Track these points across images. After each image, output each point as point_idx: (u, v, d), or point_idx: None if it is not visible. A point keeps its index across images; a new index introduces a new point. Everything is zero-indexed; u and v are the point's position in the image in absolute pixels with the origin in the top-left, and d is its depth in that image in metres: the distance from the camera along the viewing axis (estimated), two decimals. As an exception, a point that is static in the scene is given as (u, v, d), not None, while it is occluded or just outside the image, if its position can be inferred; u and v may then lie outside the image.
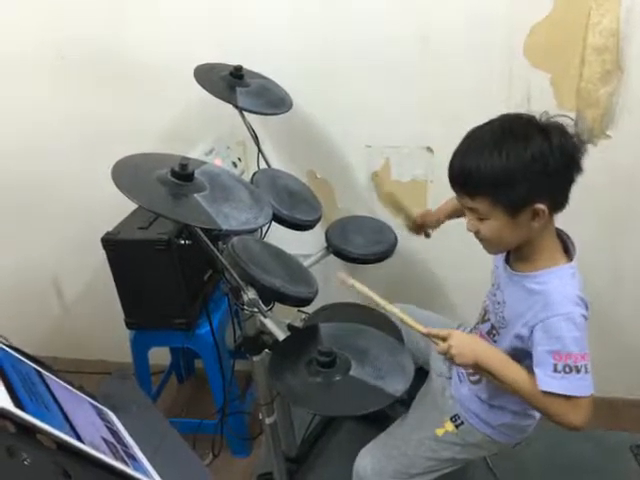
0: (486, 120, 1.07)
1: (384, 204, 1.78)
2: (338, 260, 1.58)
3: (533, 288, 1.07)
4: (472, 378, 1.26)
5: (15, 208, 2.03)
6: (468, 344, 1.08)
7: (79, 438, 0.65)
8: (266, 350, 1.34)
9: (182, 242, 1.48)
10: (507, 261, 1.16)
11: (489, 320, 1.21)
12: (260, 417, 1.50)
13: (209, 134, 1.63)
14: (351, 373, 1.05)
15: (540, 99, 1.52)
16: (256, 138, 1.57)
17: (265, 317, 1.18)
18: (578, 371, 1.00)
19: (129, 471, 0.70)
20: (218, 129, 1.68)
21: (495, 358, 1.08)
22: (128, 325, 1.64)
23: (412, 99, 1.63)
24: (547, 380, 1.02)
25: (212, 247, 1.10)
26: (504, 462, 1.71)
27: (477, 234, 1.09)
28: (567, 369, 1.00)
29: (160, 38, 1.68)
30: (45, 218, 2.03)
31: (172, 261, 1.53)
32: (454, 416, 1.27)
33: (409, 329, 1.14)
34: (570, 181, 1.03)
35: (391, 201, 1.73)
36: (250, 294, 1.14)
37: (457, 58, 1.55)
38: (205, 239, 1.09)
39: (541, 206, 1.00)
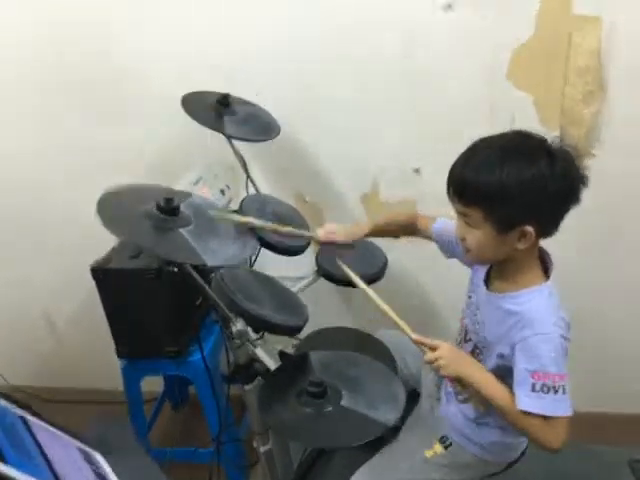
0: (470, 141, 1.07)
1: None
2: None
3: (511, 309, 1.08)
4: (459, 397, 1.25)
5: (2, 239, 2.02)
6: (455, 358, 1.09)
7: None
8: (259, 378, 1.34)
9: (172, 269, 1.48)
10: (486, 281, 1.17)
11: (471, 340, 1.21)
12: (255, 445, 1.49)
13: (198, 161, 1.63)
14: (342, 403, 1.04)
15: (524, 120, 1.54)
16: (244, 164, 1.57)
17: (255, 347, 1.18)
18: (556, 391, 1.01)
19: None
20: (207, 156, 1.68)
21: (480, 376, 1.09)
22: (119, 354, 1.63)
23: (398, 122, 1.65)
24: (525, 400, 1.02)
25: (200, 280, 1.10)
26: (501, 478, 1.70)
27: (463, 241, 1.10)
28: (545, 389, 1.01)
29: (148, 66, 1.69)
30: (34, 248, 2.02)
31: (163, 289, 1.52)
32: (443, 437, 1.27)
33: (403, 333, 1.15)
34: (564, 210, 1.03)
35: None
36: (239, 325, 1.14)
37: (442, 81, 1.57)
38: (193, 272, 1.09)
39: (530, 229, 1.01)
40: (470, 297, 1.23)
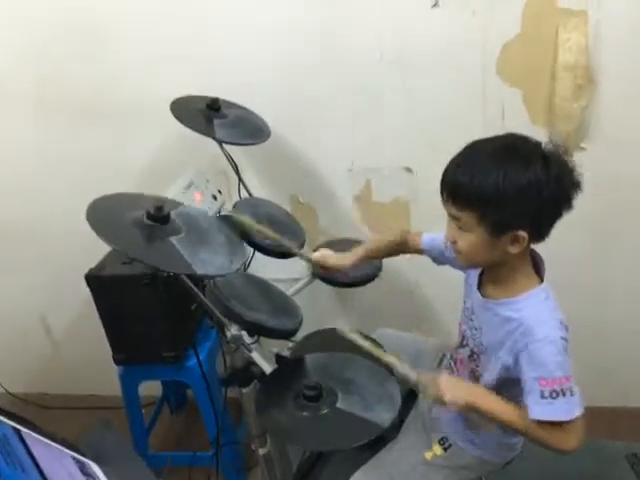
0: (462, 139, 1.06)
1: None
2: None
3: (509, 315, 1.07)
4: (458, 411, 1.25)
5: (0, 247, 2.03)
6: (456, 387, 1.08)
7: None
8: (256, 380, 1.34)
9: (166, 275, 1.48)
10: (479, 286, 1.16)
11: (468, 345, 1.21)
12: (253, 448, 1.49)
13: (190, 166, 1.63)
14: (338, 405, 1.05)
15: (514, 116, 1.54)
16: (236, 168, 1.57)
17: (250, 351, 1.18)
18: (564, 395, 1.00)
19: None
20: (198, 160, 1.68)
21: (483, 397, 1.08)
22: (116, 361, 1.63)
23: (390, 121, 1.64)
24: (536, 408, 1.01)
25: (193, 287, 1.10)
26: (500, 475, 1.70)
27: (454, 244, 1.08)
28: (554, 394, 1.00)
29: (136, 73, 1.69)
30: (31, 256, 2.02)
31: (157, 295, 1.52)
32: (442, 439, 1.26)
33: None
34: (558, 215, 1.02)
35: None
36: (233, 330, 1.14)
37: (432, 79, 1.57)
38: (185, 279, 1.09)
39: (523, 233, 1.00)
40: (465, 302, 1.23)
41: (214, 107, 1.47)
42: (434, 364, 1.40)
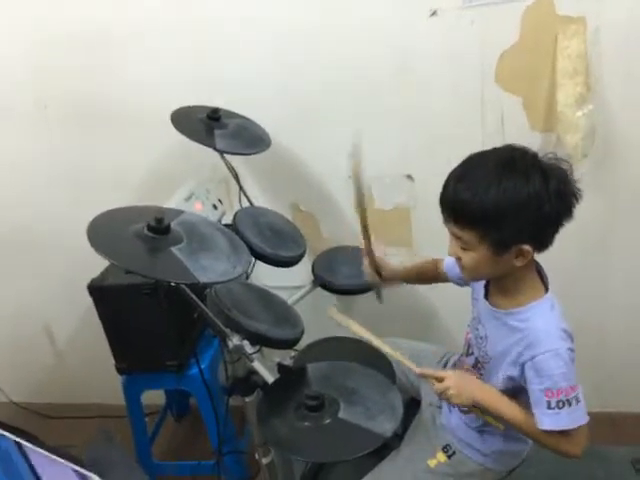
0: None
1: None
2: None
3: (516, 326, 1.07)
4: (462, 407, 1.25)
5: (3, 256, 2.04)
6: (465, 385, 1.09)
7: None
8: (258, 389, 1.34)
9: (168, 284, 1.48)
10: (486, 295, 1.16)
11: (473, 354, 1.21)
12: (256, 457, 1.49)
13: (190, 175, 1.63)
14: (340, 415, 1.05)
15: (513, 123, 1.54)
16: (237, 177, 1.58)
17: (252, 361, 1.18)
18: (570, 404, 1.01)
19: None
20: (199, 170, 1.69)
21: (493, 398, 1.09)
22: (119, 370, 1.63)
23: (389, 129, 1.65)
24: (544, 419, 1.03)
25: (194, 297, 1.10)
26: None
27: (458, 260, 1.09)
28: (560, 404, 1.01)
29: (136, 83, 1.70)
30: (32, 266, 2.04)
31: (160, 304, 1.52)
32: (445, 446, 1.26)
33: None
34: (560, 226, 1.02)
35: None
36: (235, 340, 1.14)
37: (431, 88, 1.57)
38: (187, 290, 1.09)
39: (527, 247, 1.00)
40: (472, 311, 1.23)
41: (214, 117, 1.48)
42: (439, 367, 1.40)
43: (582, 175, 1.43)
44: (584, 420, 1.02)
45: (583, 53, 1.43)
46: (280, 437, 1.03)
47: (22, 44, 1.72)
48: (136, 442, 1.78)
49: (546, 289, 1.09)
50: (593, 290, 1.75)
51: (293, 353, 1.50)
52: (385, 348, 1.15)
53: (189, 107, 1.51)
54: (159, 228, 0.98)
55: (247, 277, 1.63)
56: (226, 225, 1.31)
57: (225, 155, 1.52)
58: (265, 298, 1.32)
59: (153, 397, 1.95)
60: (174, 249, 0.97)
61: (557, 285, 1.11)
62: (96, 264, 1.58)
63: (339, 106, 1.65)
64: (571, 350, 1.03)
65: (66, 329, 2.16)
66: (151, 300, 1.50)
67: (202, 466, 1.73)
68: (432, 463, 1.26)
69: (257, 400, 1.35)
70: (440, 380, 1.09)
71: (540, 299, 1.06)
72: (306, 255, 1.52)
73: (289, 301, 1.43)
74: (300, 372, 1.17)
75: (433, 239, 1.30)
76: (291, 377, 1.17)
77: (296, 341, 1.21)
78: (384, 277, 1.39)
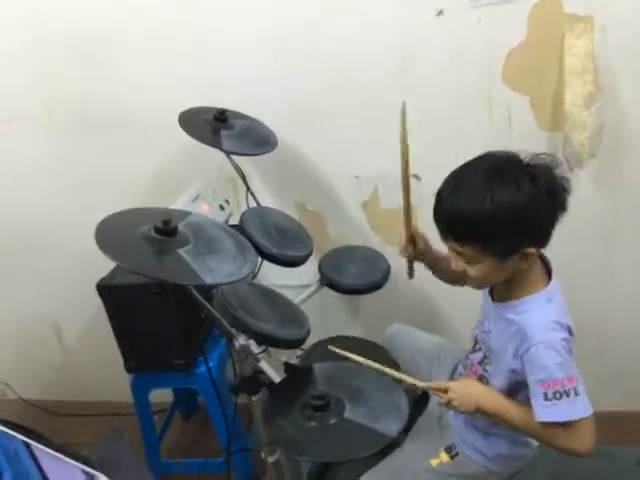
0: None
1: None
2: (335, 290, 1.58)
3: (512, 318, 1.08)
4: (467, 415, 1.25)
5: (10, 258, 2.06)
6: (467, 393, 1.10)
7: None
8: (265, 388, 1.35)
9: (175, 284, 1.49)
10: (490, 289, 1.17)
11: (480, 349, 1.22)
12: (263, 456, 1.50)
13: (197, 176, 1.64)
14: (345, 415, 1.05)
15: (520, 122, 1.54)
16: (244, 178, 1.58)
17: (258, 361, 1.19)
18: (568, 395, 1.00)
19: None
20: (206, 170, 1.69)
21: (495, 402, 1.10)
22: (127, 369, 1.64)
23: (396, 129, 1.64)
24: (541, 410, 1.03)
25: (200, 298, 1.11)
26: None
27: (463, 273, 1.09)
28: (557, 395, 1.01)
29: (142, 85, 1.71)
30: (41, 266, 2.05)
31: (168, 303, 1.53)
32: (449, 446, 1.27)
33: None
34: (556, 222, 1.03)
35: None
36: (241, 340, 1.15)
37: (438, 87, 1.57)
38: (193, 290, 1.10)
39: (530, 250, 1.01)
40: (482, 306, 1.24)
41: (221, 118, 1.48)
42: (450, 368, 1.40)
43: (590, 174, 1.44)
44: (585, 412, 1.01)
45: (591, 51, 1.42)
46: (286, 437, 1.03)
47: (27, 48, 1.73)
48: (144, 440, 1.80)
49: (550, 279, 1.09)
50: (599, 288, 1.75)
51: (299, 352, 1.51)
52: (386, 370, 1.15)
53: (196, 108, 1.51)
54: (166, 230, 0.99)
55: (254, 277, 1.64)
56: (233, 226, 1.32)
57: (232, 156, 1.52)
58: (271, 298, 1.32)
59: (161, 395, 1.97)
60: (181, 251, 0.98)
61: (562, 282, 1.11)
62: (105, 264, 1.58)
63: (345, 106, 1.65)
64: (566, 340, 1.03)
65: (75, 328, 2.17)
66: (159, 299, 1.51)
67: (210, 464, 1.75)
68: (434, 462, 1.26)
69: (263, 399, 1.36)
70: (444, 391, 1.11)
71: (536, 293, 1.07)
72: (313, 254, 1.53)
73: (296, 300, 1.44)
74: (306, 372, 1.18)
75: (439, 239, 1.31)
76: (297, 376, 1.18)
77: (302, 341, 1.21)
78: (418, 250, 1.35)
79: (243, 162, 1.63)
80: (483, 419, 1.21)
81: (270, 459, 1.47)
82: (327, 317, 1.95)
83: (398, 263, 1.63)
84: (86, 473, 0.81)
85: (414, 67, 1.56)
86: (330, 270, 1.59)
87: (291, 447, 1.04)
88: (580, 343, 1.08)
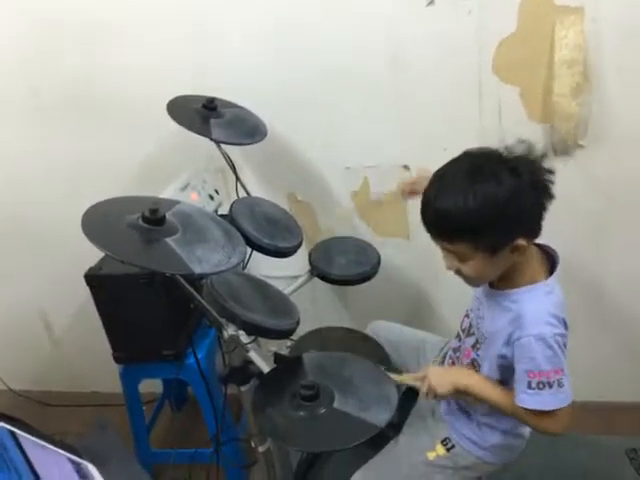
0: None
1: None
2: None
3: (508, 306, 1.09)
4: (448, 397, 1.26)
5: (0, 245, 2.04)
6: (442, 374, 1.15)
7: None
8: (254, 378, 1.35)
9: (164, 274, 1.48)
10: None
11: (474, 334, 1.22)
12: (253, 445, 1.50)
13: (187, 166, 1.63)
14: (335, 405, 1.05)
15: (510, 112, 1.54)
16: (233, 167, 1.57)
17: (247, 351, 1.18)
18: (551, 386, 1.03)
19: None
20: (196, 160, 1.68)
21: (472, 381, 1.13)
22: (116, 359, 1.64)
23: (387, 120, 1.64)
24: (522, 397, 1.06)
25: (189, 288, 1.10)
26: (500, 472, 1.71)
27: (457, 272, 1.10)
28: (541, 385, 1.03)
29: (133, 72, 1.69)
30: (28, 255, 2.04)
31: (157, 293, 1.52)
32: (445, 439, 1.27)
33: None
34: (544, 210, 1.03)
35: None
36: (230, 330, 1.14)
37: (428, 78, 1.56)
38: (181, 280, 1.10)
39: (521, 241, 1.01)
40: (475, 291, 1.24)
41: (211, 107, 1.47)
42: (437, 359, 1.40)
43: (578, 164, 1.43)
44: (566, 402, 1.04)
45: (581, 43, 1.42)
46: (275, 426, 1.03)
47: (15, 30, 1.70)
48: (134, 430, 1.80)
49: (551, 273, 1.09)
50: (588, 279, 1.76)
51: (289, 343, 1.51)
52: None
53: (185, 96, 1.50)
54: (154, 219, 0.98)
55: (244, 267, 1.64)
56: (222, 215, 1.32)
57: (222, 145, 1.51)
58: (261, 288, 1.32)
59: (151, 385, 1.96)
60: (169, 240, 0.97)
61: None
62: (93, 254, 1.57)
63: (336, 96, 1.64)
64: (560, 336, 1.04)
65: (64, 318, 2.16)
66: (148, 289, 1.50)
67: (199, 454, 1.75)
68: (431, 455, 1.27)
69: (253, 389, 1.36)
70: (422, 379, 1.15)
71: (536, 283, 1.08)
72: (303, 245, 1.52)
73: (286, 291, 1.43)
74: (295, 362, 1.18)
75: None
76: (286, 367, 1.18)
77: (292, 331, 1.21)
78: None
79: (233, 152, 1.62)
80: (464, 401, 1.23)
81: (260, 449, 1.47)
82: (317, 308, 1.95)
83: (388, 253, 1.64)
84: (73, 462, 0.80)
85: (404, 57, 1.55)
86: (320, 261, 1.59)
87: (280, 437, 1.04)
88: (574, 334, 1.09)
